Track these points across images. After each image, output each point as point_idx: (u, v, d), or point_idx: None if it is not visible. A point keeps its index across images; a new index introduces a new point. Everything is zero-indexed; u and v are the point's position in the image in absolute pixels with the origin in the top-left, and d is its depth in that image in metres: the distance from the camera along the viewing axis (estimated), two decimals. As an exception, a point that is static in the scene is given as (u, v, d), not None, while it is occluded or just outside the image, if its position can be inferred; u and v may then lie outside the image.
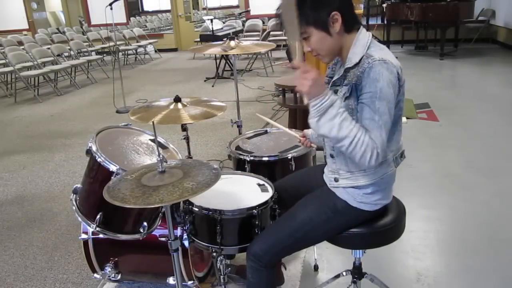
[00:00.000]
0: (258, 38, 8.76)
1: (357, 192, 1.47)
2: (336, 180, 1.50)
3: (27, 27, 11.89)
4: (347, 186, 1.47)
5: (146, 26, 13.66)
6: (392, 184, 1.53)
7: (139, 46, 10.07)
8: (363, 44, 1.36)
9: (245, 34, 9.11)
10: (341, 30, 1.37)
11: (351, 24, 1.38)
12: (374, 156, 1.27)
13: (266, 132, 2.42)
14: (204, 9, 16.70)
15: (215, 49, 2.71)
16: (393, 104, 1.32)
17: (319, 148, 1.73)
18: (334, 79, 1.45)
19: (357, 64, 1.35)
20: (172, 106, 2.06)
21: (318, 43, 1.38)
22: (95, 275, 2.00)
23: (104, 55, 9.55)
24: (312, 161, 2.21)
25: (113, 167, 1.63)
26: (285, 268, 2.13)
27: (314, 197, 1.56)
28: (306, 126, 1.80)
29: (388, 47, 8.18)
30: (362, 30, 1.40)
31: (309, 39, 1.38)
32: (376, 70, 1.29)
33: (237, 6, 16.29)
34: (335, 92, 1.42)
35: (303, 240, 1.52)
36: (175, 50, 11.76)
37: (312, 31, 1.36)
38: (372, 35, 1.42)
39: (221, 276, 1.68)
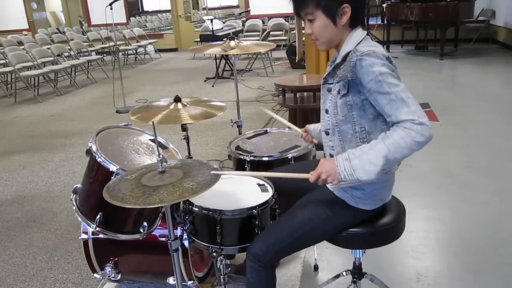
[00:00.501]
0: (258, 38, 8.77)
1: (355, 191, 1.46)
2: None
3: (27, 27, 11.88)
4: (348, 185, 1.47)
5: (146, 26, 13.66)
6: (391, 184, 1.53)
7: (139, 46, 10.08)
8: (354, 41, 1.37)
9: (245, 34, 9.11)
10: (347, 24, 1.37)
11: (357, 21, 1.38)
12: (419, 131, 1.20)
13: (266, 132, 2.42)
14: (204, 9, 16.70)
15: (215, 49, 2.71)
16: (397, 75, 1.30)
17: (319, 148, 1.73)
18: (324, 75, 1.45)
19: (344, 59, 1.35)
20: (172, 106, 2.06)
21: (321, 29, 1.38)
22: (95, 275, 2.00)
23: (104, 55, 9.55)
24: (312, 157, 2.20)
25: (113, 167, 1.63)
26: (279, 263, 2.13)
27: (313, 197, 1.56)
28: (306, 125, 1.80)
29: (388, 47, 8.12)
30: (357, 29, 1.40)
31: (314, 22, 1.38)
32: (366, 59, 1.28)
33: (237, 6, 16.32)
34: (329, 90, 1.42)
35: (302, 240, 1.51)
36: (175, 50, 11.76)
37: (319, 16, 1.36)
38: (369, 33, 1.43)
39: (221, 276, 1.68)
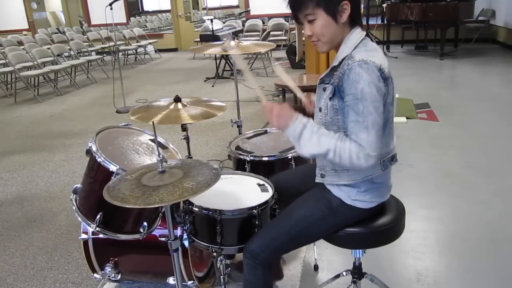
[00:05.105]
0: (258, 38, 8.77)
1: (351, 190, 1.47)
2: (322, 176, 1.52)
3: (27, 27, 11.90)
4: (332, 183, 1.49)
5: (146, 26, 13.66)
6: (387, 184, 1.53)
7: (139, 46, 10.08)
8: (352, 44, 1.37)
9: (245, 34, 9.11)
10: (347, 22, 1.37)
11: (355, 19, 1.39)
12: (362, 158, 1.28)
13: (266, 132, 2.42)
14: (204, 9, 16.69)
15: (215, 49, 2.71)
16: (380, 102, 1.31)
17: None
18: (321, 76, 1.46)
19: (340, 63, 1.36)
20: (172, 106, 2.06)
21: (322, 28, 1.37)
22: (95, 275, 2.00)
23: (104, 55, 9.55)
24: (312, 160, 2.21)
25: (113, 167, 1.63)
26: (284, 262, 2.12)
27: (310, 195, 1.56)
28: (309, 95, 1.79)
29: (388, 47, 8.11)
30: (356, 30, 1.40)
31: (314, 23, 1.38)
32: (355, 71, 1.29)
33: (237, 6, 16.31)
34: (324, 90, 1.43)
35: (299, 237, 1.52)
36: (175, 50, 11.76)
37: (320, 14, 1.36)
38: (368, 34, 1.44)
39: (221, 276, 1.68)
